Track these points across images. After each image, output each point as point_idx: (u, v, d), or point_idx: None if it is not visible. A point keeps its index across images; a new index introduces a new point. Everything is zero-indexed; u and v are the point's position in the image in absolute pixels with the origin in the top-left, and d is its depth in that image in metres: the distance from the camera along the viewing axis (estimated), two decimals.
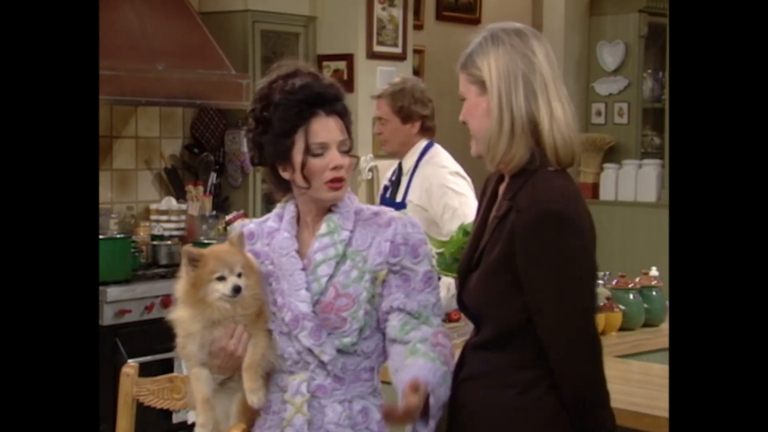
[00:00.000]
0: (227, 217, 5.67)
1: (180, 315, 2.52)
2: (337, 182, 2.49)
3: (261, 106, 2.52)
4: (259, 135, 2.53)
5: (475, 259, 2.41)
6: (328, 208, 2.55)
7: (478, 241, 2.44)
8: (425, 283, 2.52)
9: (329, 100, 2.50)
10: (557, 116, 2.34)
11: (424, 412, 2.35)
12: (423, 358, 2.40)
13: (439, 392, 2.37)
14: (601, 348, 2.34)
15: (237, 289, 2.45)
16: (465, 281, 2.45)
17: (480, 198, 2.57)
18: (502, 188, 2.44)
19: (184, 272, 2.51)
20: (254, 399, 2.48)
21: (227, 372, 2.53)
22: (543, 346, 2.31)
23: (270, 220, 2.63)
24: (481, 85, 2.37)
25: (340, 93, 2.54)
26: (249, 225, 2.66)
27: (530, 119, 2.33)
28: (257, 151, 2.56)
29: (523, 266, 2.29)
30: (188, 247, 2.54)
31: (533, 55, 2.36)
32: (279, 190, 2.61)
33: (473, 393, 2.40)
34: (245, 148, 5.84)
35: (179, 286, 2.54)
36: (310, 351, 2.50)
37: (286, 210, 2.60)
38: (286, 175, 2.53)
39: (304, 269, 2.51)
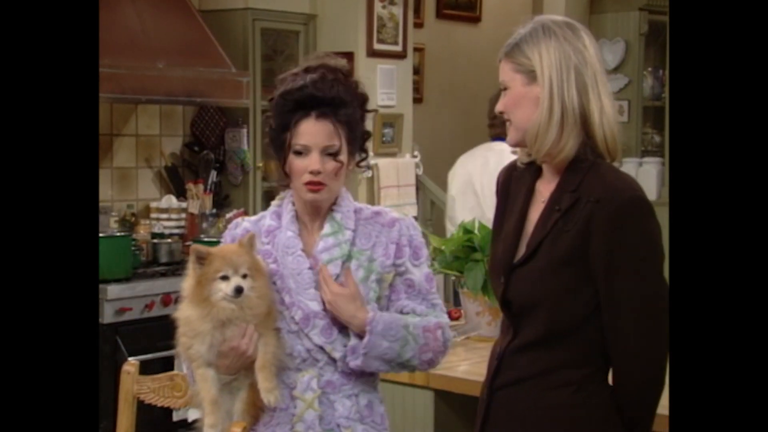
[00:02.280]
0: (227, 215, 5.67)
1: (188, 314, 2.51)
2: (312, 185, 2.49)
3: (272, 98, 2.57)
4: (269, 126, 2.58)
5: (524, 255, 2.38)
6: (329, 208, 2.56)
7: (517, 236, 2.41)
8: (428, 284, 2.59)
9: (323, 103, 2.48)
10: (607, 111, 2.35)
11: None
12: (392, 315, 2.52)
13: (378, 341, 2.48)
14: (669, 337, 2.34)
15: (239, 290, 2.45)
16: (509, 278, 2.40)
17: (503, 192, 2.53)
18: (541, 184, 2.43)
19: (191, 269, 2.51)
20: (271, 398, 2.48)
21: (234, 372, 2.53)
22: (611, 338, 2.30)
23: (267, 218, 2.63)
24: (530, 74, 2.35)
25: (339, 97, 2.49)
26: (243, 224, 2.66)
27: (581, 112, 2.33)
28: (269, 138, 2.60)
29: (603, 254, 2.27)
30: (196, 245, 2.53)
31: (585, 49, 2.35)
32: (283, 181, 2.62)
33: (523, 396, 2.38)
34: (245, 146, 5.85)
35: (186, 284, 2.53)
36: (320, 348, 2.51)
37: (284, 208, 2.60)
38: (286, 168, 2.55)
39: (311, 268, 2.52)
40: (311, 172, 2.49)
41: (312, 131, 2.49)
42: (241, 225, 2.66)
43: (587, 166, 2.33)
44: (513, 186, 2.50)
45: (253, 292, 2.47)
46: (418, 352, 2.51)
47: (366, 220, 2.58)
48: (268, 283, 2.52)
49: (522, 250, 2.39)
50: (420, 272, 2.57)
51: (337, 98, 2.50)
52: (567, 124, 2.32)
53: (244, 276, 2.46)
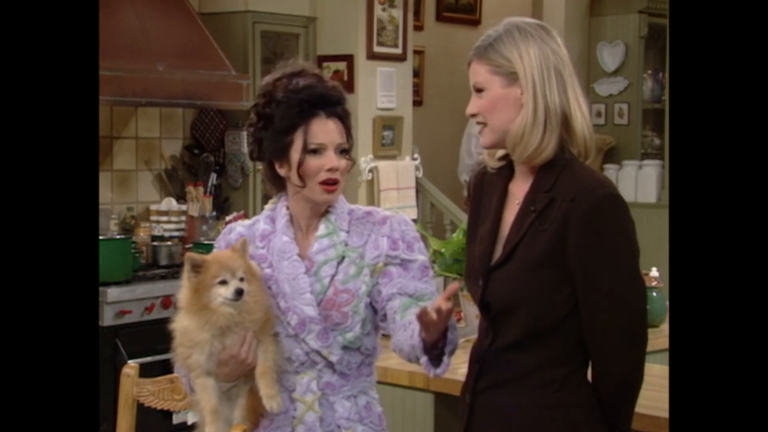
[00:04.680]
0: (227, 218, 5.67)
1: (185, 325, 2.49)
2: (330, 184, 2.50)
3: (263, 102, 2.55)
4: (260, 130, 2.55)
5: (501, 256, 2.38)
6: (325, 210, 2.56)
7: (493, 239, 2.41)
8: (422, 273, 2.55)
9: (331, 102, 2.52)
10: (584, 110, 2.37)
11: (439, 349, 2.34)
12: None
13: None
14: (647, 334, 2.34)
15: (239, 292, 2.44)
16: (487, 281, 2.40)
17: (475, 197, 2.53)
18: (514, 185, 2.43)
19: (186, 279, 2.50)
20: (273, 405, 2.47)
21: (234, 379, 2.53)
22: (590, 336, 2.31)
23: (260, 222, 2.63)
24: (510, 76, 2.34)
25: (342, 96, 2.55)
26: (237, 229, 2.65)
27: (563, 112, 2.34)
28: (256, 145, 2.58)
29: (580, 252, 2.28)
30: (191, 254, 2.51)
31: (560, 49, 2.37)
32: (273, 186, 2.62)
33: (505, 397, 2.38)
34: (245, 149, 5.85)
35: (181, 295, 2.52)
36: (317, 352, 2.51)
37: (277, 212, 2.60)
38: (282, 171, 2.55)
39: (306, 272, 2.52)
40: (329, 170, 2.49)
41: (326, 129, 2.50)
42: (235, 230, 2.66)
43: (561, 166, 2.34)
44: (486, 190, 2.50)
45: (249, 297, 2.47)
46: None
47: (358, 219, 2.59)
48: (263, 288, 2.52)
49: (498, 253, 2.39)
50: (414, 263, 2.55)
51: (342, 98, 2.54)
52: (550, 125, 2.33)
53: (241, 279, 2.46)
